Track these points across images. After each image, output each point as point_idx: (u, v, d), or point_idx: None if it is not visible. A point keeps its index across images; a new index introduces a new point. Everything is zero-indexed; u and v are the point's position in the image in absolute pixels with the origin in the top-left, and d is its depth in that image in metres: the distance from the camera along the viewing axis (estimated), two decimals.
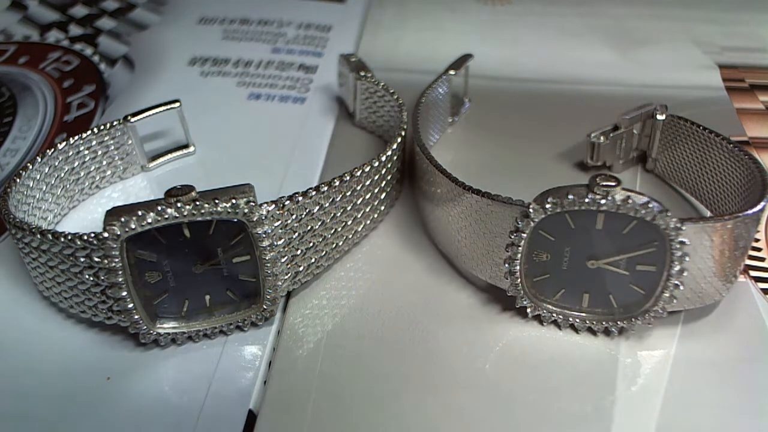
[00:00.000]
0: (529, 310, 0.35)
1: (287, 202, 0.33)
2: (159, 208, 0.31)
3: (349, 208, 0.37)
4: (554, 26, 0.62)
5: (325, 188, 0.35)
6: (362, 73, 0.47)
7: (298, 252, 0.35)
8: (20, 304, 0.37)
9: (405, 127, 0.42)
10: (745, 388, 0.33)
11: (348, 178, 0.36)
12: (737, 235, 0.32)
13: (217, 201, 0.31)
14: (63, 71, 0.57)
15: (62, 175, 0.42)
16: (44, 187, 0.41)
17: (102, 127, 0.43)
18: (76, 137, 0.42)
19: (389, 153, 0.39)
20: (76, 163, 0.42)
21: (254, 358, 0.34)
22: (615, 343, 0.34)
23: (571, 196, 0.31)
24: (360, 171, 0.37)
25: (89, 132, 0.42)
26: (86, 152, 0.43)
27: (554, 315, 0.35)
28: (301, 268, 0.36)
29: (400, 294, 0.37)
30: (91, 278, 0.32)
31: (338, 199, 0.36)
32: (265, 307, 0.35)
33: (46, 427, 0.31)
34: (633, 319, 0.34)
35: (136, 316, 0.33)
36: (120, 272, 0.32)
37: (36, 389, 0.33)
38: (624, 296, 0.34)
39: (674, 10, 0.64)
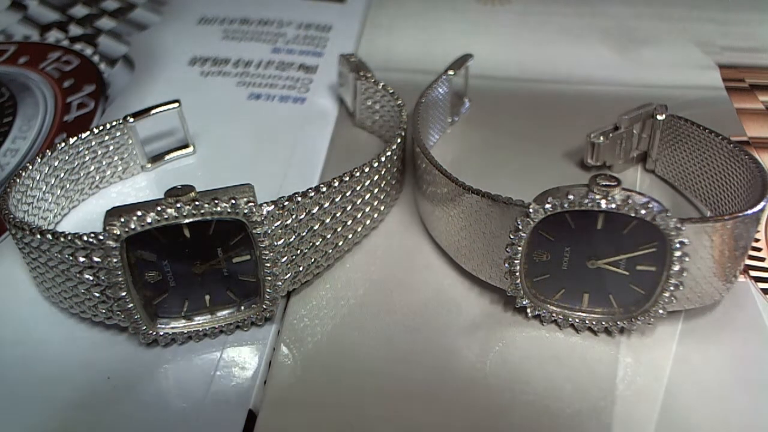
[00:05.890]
0: (529, 310, 0.35)
1: (287, 203, 0.33)
2: (159, 208, 0.31)
3: (349, 209, 0.37)
4: (554, 26, 0.62)
5: (325, 188, 0.35)
6: (362, 73, 0.47)
7: (298, 252, 0.35)
8: (20, 304, 0.37)
9: (405, 127, 0.42)
10: (745, 388, 0.33)
11: (348, 178, 0.36)
12: (737, 235, 0.32)
13: (217, 201, 0.31)
14: (63, 71, 0.57)
15: (62, 175, 0.42)
16: (44, 187, 0.41)
17: (102, 128, 0.43)
18: (76, 137, 0.42)
19: (389, 153, 0.39)
20: (76, 163, 0.42)
21: (254, 358, 0.34)
22: (615, 343, 0.34)
23: (571, 196, 0.31)
24: (360, 171, 0.37)
25: (89, 132, 0.42)
26: (86, 152, 0.43)
27: (554, 315, 0.35)
28: (301, 268, 0.36)
29: (400, 294, 0.37)
30: (91, 278, 0.32)
31: (338, 199, 0.36)
32: (265, 307, 0.35)
33: (46, 427, 0.31)
34: (633, 319, 0.34)
35: (136, 316, 0.33)
36: (120, 272, 0.32)
37: (36, 389, 0.33)
38: (624, 296, 0.34)
39: (674, 10, 0.64)
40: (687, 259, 0.32)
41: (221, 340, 0.35)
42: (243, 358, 0.34)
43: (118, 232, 0.31)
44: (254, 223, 0.32)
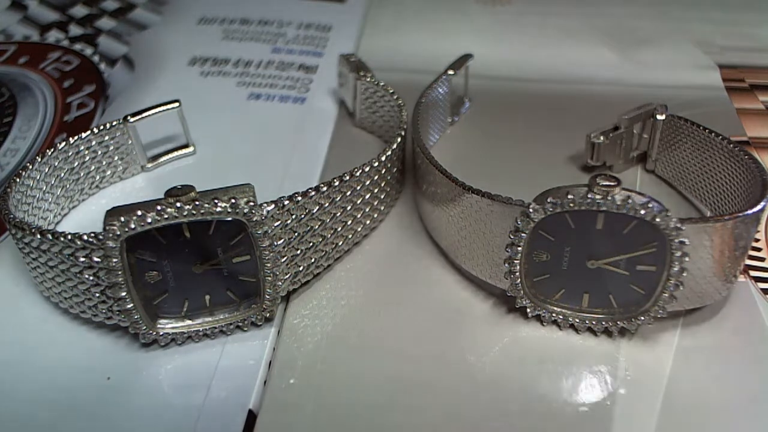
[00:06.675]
0: (529, 310, 0.35)
1: (287, 202, 0.33)
2: (159, 208, 0.31)
3: (349, 208, 0.37)
4: (554, 26, 0.62)
5: (325, 188, 0.35)
6: (362, 73, 0.47)
7: (298, 252, 0.35)
8: (20, 305, 0.37)
9: (405, 127, 0.42)
10: (745, 388, 0.33)
11: (348, 178, 0.36)
12: (737, 235, 0.32)
13: (216, 201, 0.31)
14: (63, 71, 0.57)
15: (62, 175, 0.42)
16: (44, 187, 0.41)
17: (102, 127, 0.43)
18: (76, 137, 0.42)
19: (389, 153, 0.39)
20: (76, 163, 0.42)
21: (254, 359, 0.34)
22: (615, 343, 0.34)
23: (571, 196, 0.31)
24: (360, 171, 0.37)
25: (89, 132, 0.42)
26: (86, 152, 0.43)
27: (554, 315, 0.35)
28: (301, 268, 0.36)
29: (400, 294, 0.37)
30: (91, 278, 0.32)
31: (338, 199, 0.36)
32: (265, 307, 0.35)
33: (47, 428, 0.31)
34: (633, 319, 0.34)
35: (136, 316, 0.33)
36: (120, 272, 0.32)
37: (36, 389, 0.33)
38: (624, 296, 0.34)
39: (674, 10, 0.64)
40: (687, 259, 0.32)
41: (221, 340, 0.35)
42: (243, 359, 0.34)
43: (118, 232, 0.31)
44: (254, 223, 0.32)
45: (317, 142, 0.48)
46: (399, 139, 0.41)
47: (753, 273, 0.38)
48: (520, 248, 0.33)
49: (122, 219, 0.31)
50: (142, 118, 0.44)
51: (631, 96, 0.51)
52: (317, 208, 0.35)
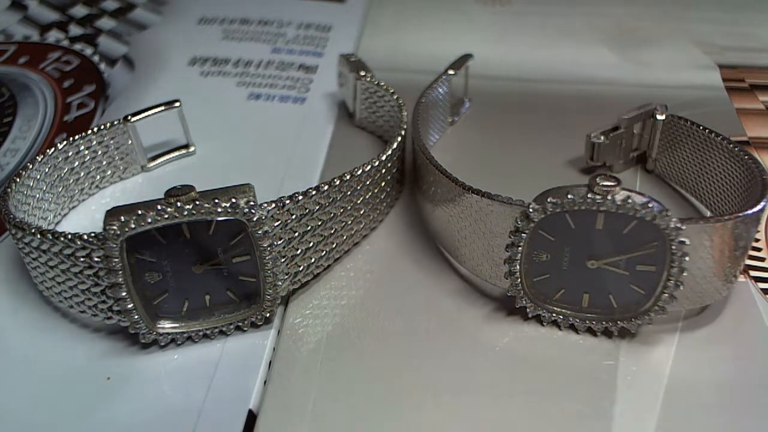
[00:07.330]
0: (529, 310, 0.35)
1: (287, 202, 0.33)
2: (159, 207, 0.31)
3: (349, 208, 0.37)
4: (554, 26, 0.62)
5: (326, 188, 0.35)
6: (362, 73, 0.47)
7: (298, 252, 0.35)
8: (20, 305, 0.37)
9: (405, 127, 0.42)
10: (744, 388, 0.33)
11: (348, 177, 0.36)
12: (737, 235, 0.32)
13: (217, 201, 0.31)
14: (63, 71, 0.57)
15: (62, 174, 0.42)
16: (44, 187, 0.41)
17: (102, 127, 0.43)
18: (77, 137, 0.42)
19: (389, 153, 0.39)
20: (77, 163, 0.42)
21: (254, 358, 0.34)
22: (615, 343, 0.34)
23: (571, 196, 0.31)
24: (360, 170, 0.37)
25: (89, 132, 0.42)
26: (86, 152, 0.43)
27: (554, 315, 0.35)
28: (301, 268, 0.36)
29: (400, 294, 0.37)
30: (91, 278, 0.32)
31: (338, 198, 0.36)
32: (265, 307, 0.35)
33: (47, 428, 0.31)
34: (633, 319, 0.34)
35: (136, 316, 0.33)
36: (120, 272, 0.32)
37: (36, 389, 0.33)
38: (624, 296, 0.34)
39: (674, 10, 0.64)
40: (687, 259, 0.32)
41: (221, 340, 0.35)
42: (243, 358, 0.34)
43: (119, 232, 0.31)
44: (254, 223, 0.32)
45: (317, 142, 0.48)
46: (399, 139, 0.41)
47: (753, 273, 0.38)
48: (520, 248, 0.33)
49: (122, 219, 0.31)
50: (143, 117, 0.44)
51: (631, 96, 0.51)
52: (317, 207, 0.35)
